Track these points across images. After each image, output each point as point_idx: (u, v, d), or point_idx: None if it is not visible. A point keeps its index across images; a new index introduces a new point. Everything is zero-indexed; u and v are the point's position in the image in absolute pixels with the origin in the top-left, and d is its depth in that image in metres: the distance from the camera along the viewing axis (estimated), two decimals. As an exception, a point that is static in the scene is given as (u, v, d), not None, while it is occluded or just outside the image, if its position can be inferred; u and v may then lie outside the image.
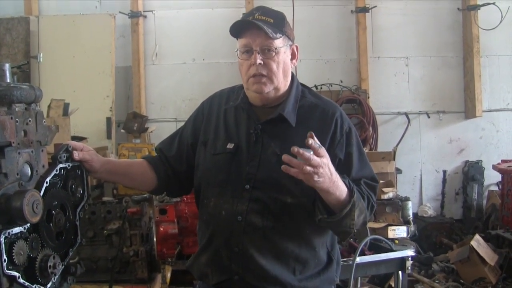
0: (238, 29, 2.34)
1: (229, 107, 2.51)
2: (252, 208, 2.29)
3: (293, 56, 2.44)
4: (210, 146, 2.47)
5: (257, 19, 2.30)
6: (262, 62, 2.29)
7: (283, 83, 2.39)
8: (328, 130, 2.35)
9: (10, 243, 1.72)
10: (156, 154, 2.67)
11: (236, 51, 2.40)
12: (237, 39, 2.39)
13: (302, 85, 2.55)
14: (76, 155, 2.16)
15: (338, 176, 2.12)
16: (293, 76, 2.50)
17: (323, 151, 2.00)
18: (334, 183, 2.09)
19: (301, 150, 1.95)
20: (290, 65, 2.42)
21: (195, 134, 2.56)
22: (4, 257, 1.69)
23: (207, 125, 2.54)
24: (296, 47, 2.45)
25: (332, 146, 2.33)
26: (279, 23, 2.33)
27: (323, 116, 2.40)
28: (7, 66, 1.90)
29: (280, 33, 2.31)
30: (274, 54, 2.30)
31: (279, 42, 2.31)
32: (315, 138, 1.98)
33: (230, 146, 2.40)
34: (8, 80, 1.89)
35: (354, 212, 2.15)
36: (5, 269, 1.69)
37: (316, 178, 1.99)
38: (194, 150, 2.55)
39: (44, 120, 1.98)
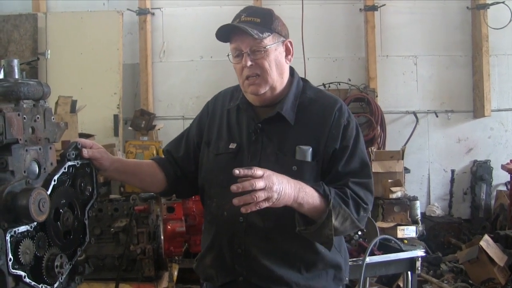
0: (225, 35, 2.34)
1: (231, 107, 2.51)
2: None
3: (288, 52, 2.41)
4: (213, 146, 2.47)
5: (243, 21, 2.30)
6: (252, 63, 2.29)
7: (279, 81, 2.37)
8: (327, 124, 2.32)
9: (16, 242, 1.71)
10: (164, 156, 2.65)
11: (228, 55, 2.41)
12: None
13: (303, 79, 2.53)
14: (86, 152, 2.14)
15: (300, 182, 2.11)
16: (293, 73, 2.49)
17: (256, 169, 1.99)
18: (299, 190, 2.08)
19: (237, 184, 1.95)
20: (284, 62, 2.39)
21: (201, 134, 2.56)
22: (10, 256, 1.67)
23: (210, 125, 2.54)
24: (290, 42, 2.42)
25: (328, 138, 2.30)
26: (266, 21, 2.32)
27: (322, 111, 2.37)
28: (15, 62, 1.88)
29: (268, 31, 2.30)
30: (263, 53, 2.28)
31: (268, 41, 2.29)
32: (238, 169, 1.98)
33: (232, 146, 2.40)
34: (17, 76, 1.87)
35: (331, 221, 2.11)
36: (11, 268, 1.68)
37: (276, 196, 2.00)
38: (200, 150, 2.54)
39: (52, 117, 1.96)
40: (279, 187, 2.00)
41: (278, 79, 2.36)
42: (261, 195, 1.95)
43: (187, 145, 2.59)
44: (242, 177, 1.97)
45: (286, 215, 2.23)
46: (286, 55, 2.40)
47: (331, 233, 2.12)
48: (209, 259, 2.45)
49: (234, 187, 1.94)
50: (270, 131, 2.35)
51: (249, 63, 2.27)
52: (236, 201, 1.96)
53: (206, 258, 2.47)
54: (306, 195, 2.09)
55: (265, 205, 1.98)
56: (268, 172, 2.01)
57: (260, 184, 1.95)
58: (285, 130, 2.33)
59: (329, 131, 2.31)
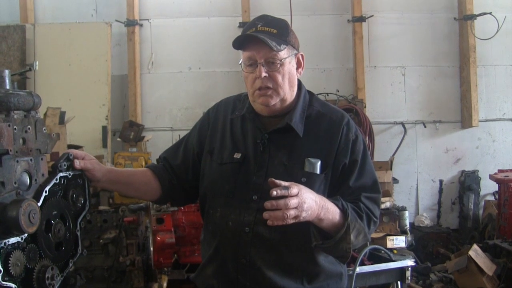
0: (241, 42, 2.31)
1: (235, 117, 2.48)
2: (259, 219, 2.24)
3: (299, 65, 2.41)
4: (217, 155, 2.44)
5: (260, 31, 2.27)
6: (267, 75, 2.26)
7: (289, 93, 2.36)
8: (336, 139, 2.34)
9: (7, 254, 1.68)
10: (160, 163, 2.63)
11: (240, 63, 2.37)
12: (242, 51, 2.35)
13: (309, 92, 2.53)
14: (77, 163, 2.12)
15: (324, 198, 2.13)
16: (300, 85, 2.47)
17: (293, 186, 2.01)
18: (323, 208, 2.10)
19: (275, 198, 1.97)
20: (296, 75, 2.39)
21: (201, 143, 2.54)
22: (0, 268, 1.65)
23: (212, 134, 2.51)
24: (302, 55, 2.41)
25: (338, 153, 2.32)
26: (282, 33, 2.30)
27: (330, 125, 2.38)
28: (6, 72, 1.86)
29: (284, 43, 2.28)
30: (279, 66, 2.27)
31: (284, 53, 2.28)
32: (276, 181, 2.01)
33: (237, 156, 2.38)
34: (8, 87, 1.85)
35: (350, 235, 2.14)
36: (1, 280, 1.66)
37: (304, 215, 2.02)
38: (200, 159, 2.52)
39: (44, 128, 1.94)
40: (308, 206, 2.03)
41: (289, 91, 2.35)
42: (292, 213, 1.98)
43: (185, 153, 2.57)
44: (277, 197, 1.98)
45: (292, 227, 2.22)
46: (297, 68, 2.40)
47: (349, 247, 2.15)
48: (211, 269, 2.42)
49: (268, 204, 1.97)
50: (278, 142, 2.34)
51: (263, 74, 2.25)
52: (267, 215, 1.99)
53: (207, 268, 2.45)
54: (327, 211, 2.12)
55: (292, 222, 2.01)
56: (302, 190, 2.03)
57: (294, 202, 1.98)
58: (294, 141, 2.33)
59: (338, 146, 2.33)
